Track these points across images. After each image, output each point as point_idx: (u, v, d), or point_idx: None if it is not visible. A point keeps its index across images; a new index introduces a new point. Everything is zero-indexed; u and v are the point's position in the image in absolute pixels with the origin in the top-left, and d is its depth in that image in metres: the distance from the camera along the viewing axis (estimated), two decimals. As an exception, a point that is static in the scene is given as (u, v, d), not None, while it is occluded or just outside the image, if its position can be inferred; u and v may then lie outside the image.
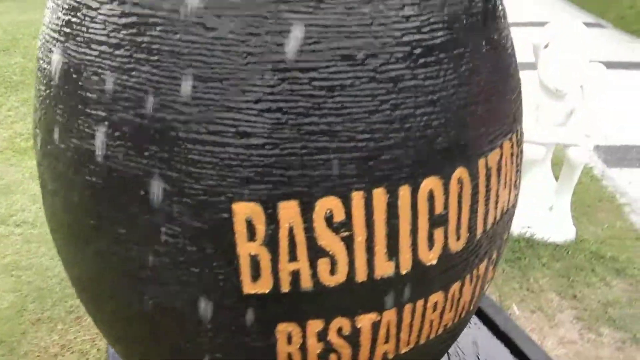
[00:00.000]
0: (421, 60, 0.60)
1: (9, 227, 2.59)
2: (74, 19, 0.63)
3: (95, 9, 0.60)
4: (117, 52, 0.59)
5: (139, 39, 0.58)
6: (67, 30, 0.63)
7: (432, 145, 0.62)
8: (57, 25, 0.65)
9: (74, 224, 0.69)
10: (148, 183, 0.60)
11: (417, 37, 0.59)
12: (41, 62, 0.69)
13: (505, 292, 1.91)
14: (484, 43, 0.66)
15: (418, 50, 0.59)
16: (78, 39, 0.62)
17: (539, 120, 1.93)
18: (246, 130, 0.57)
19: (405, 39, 0.59)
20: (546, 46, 1.82)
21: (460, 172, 0.65)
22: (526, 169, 2.00)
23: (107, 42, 0.60)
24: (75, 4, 0.62)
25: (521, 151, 0.80)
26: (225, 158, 0.58)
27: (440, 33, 0.61)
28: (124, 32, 0.59)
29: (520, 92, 0.79)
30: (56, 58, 0.65)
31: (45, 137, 0.70)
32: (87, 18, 0.61)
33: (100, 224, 0.66)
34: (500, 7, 0.71)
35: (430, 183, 0.63)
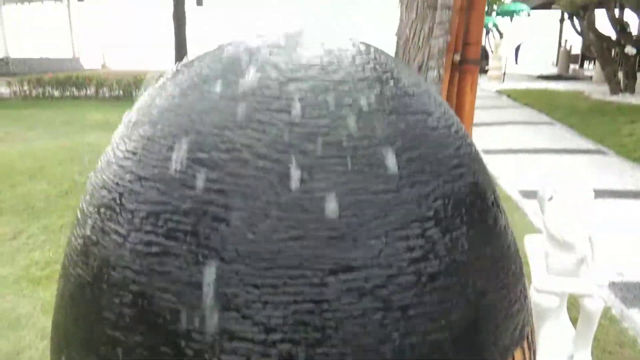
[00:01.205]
0: (428, 287, 0.62)
1: (13, 368, 2.53)
2: (101, 240, 0.67)
3: (122, 235, 0.65)
4: (139, 279, 0.63)
5: (161, 268, 0.62)
6: (93, 250, 0.68)
7: (442, 369, 0.62)
8: (81, 244, 0.70)
9: None
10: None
11: (422, 265, 0.62)
12: (66, 277, 0.73)
13: None
14: (488, 261, 0.69)
15: (424, 279, 0.62)
16: (103, 261, 0.66)
17: (549, 269, 1.92)
18: (258, 360, 0.58)
19: (411, 268, 0.62)
20: (550, 198, 1.87)
21: (472, 394, 0.64)
22: (542, 318, 1.95)
23: (131, 267, 0.63)
24: (102, 230, 0.67)
25: (534, 352, 0.80)
26: (237, 388, 0.58)
27: (444, 260, 0.64)
28: (147, 260, 0.63)
29: (525, 290, 0.80)
30: (79, 273, 0.69)
31: (61, 346, 0.71)
32: (112, 243, 0.66)
33: None
34: (502, 223, 0.75)
35: (442, 407, 0.62)
